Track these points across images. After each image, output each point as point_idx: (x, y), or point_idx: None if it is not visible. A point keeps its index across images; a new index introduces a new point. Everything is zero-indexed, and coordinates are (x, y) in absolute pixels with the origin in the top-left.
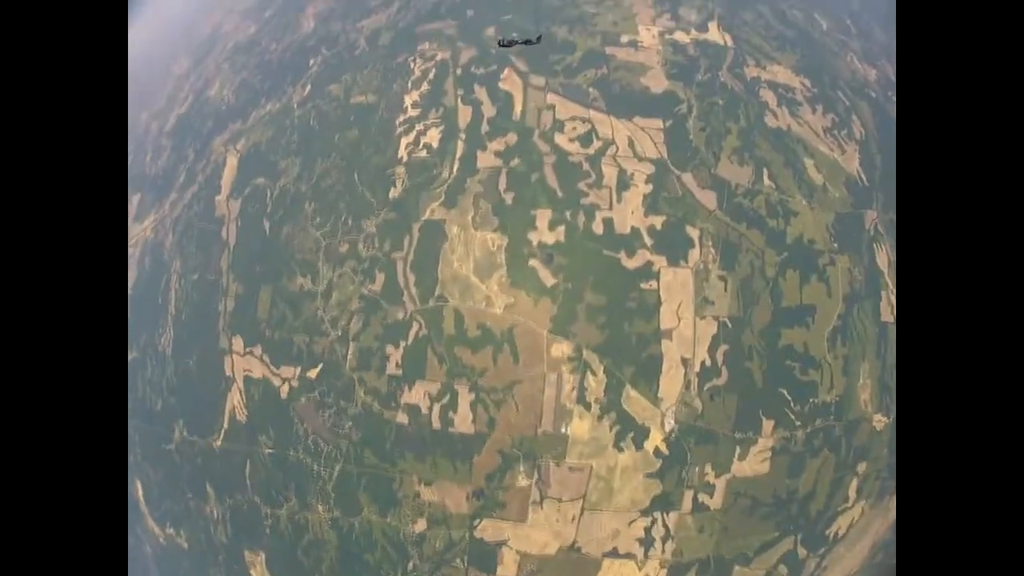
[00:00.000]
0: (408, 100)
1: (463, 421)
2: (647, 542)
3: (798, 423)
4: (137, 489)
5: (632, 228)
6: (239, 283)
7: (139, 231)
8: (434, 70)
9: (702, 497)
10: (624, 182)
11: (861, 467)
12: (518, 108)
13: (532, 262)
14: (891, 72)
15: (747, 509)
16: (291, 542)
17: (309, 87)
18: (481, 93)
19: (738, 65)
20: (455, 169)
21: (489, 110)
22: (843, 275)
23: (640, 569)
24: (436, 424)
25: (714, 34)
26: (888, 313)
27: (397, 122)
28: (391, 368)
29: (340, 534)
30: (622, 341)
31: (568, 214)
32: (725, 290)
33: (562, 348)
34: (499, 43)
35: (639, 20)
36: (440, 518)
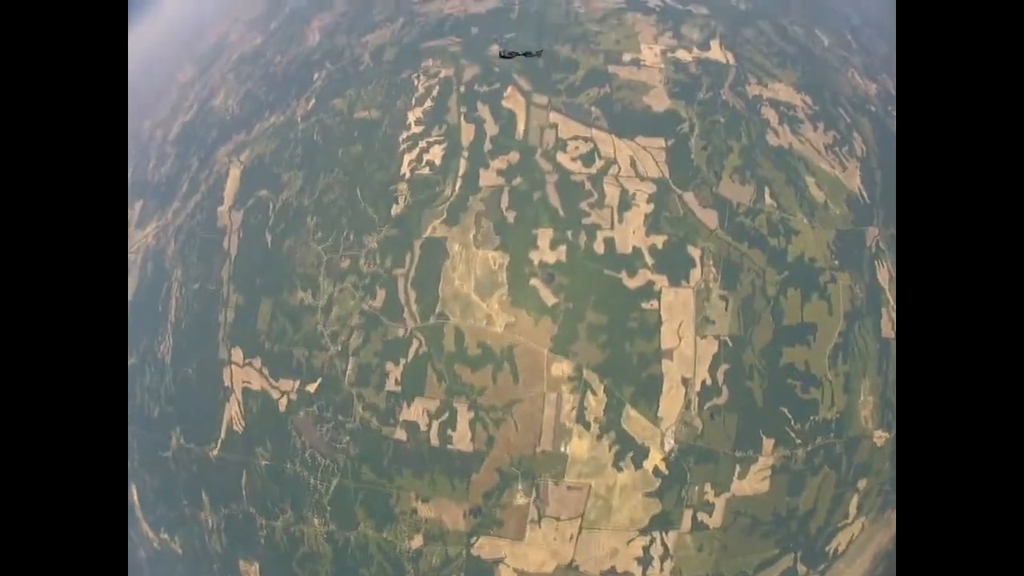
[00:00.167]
0: (411, 117)
1: (462, 439)
2: (645, 561)
3: (799, 441)
4: (132, 493)
5: (633, 248)
6: (240, 294)
7: (141, 237)
8: (438, 87)
9: (701, 516)
10: (626, 202)
11: (862, 483)
12: (521, 127)
13: (533, 281)
14: (891, 86)
15: (747, 527)
16: (286, 554)
17: (313, 101)
18: (484, 111)
19: (740, 83)
20: (457, 187)
21: (492, 128)
22: (844, 292)
23: None
24: (435, 441)
25: (716, 52)
26: (889, 329)
27: (400, 138)
28: (390, 384)
29: (335, 548)
30: (623, 361)
31: (570, 233)
32: (726, 309)
33: (562, 367)
34: (500, 54)
35: (641, 38)
36: (437, 534)
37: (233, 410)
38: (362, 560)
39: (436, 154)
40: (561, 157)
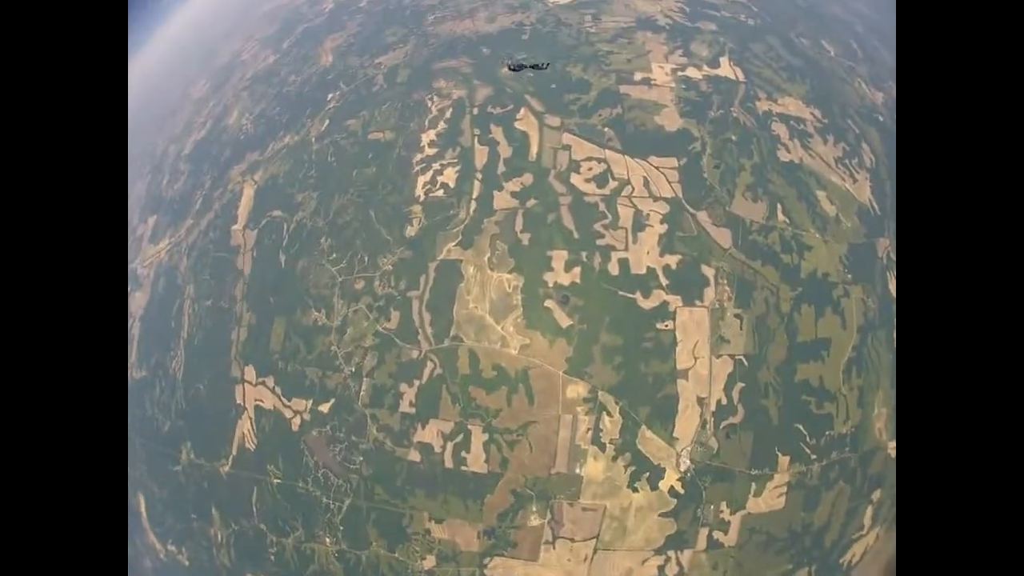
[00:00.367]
0: (425, 139)
1: (476, 460)
2: None
3: (814, 457)
4: (140, 503)
5: (648, 268)
6: (253, 313)
7: (154, 253)
8: (451, 109)
9: (717, 535)
10: (640, 222)
11: (876, 495)
12: (534, 148)
13: (548, 303)
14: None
15: (762, 545)
16: (296, 571)
17: (327, 122)
18: (497, 133)
19: (750, 99)
20: (472, 209)
21: (505, 150)
22: (857, 306)
23: None
24: (448, 463)
25: (726, 68)
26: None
27: (414, 160)
28: (404, 406)
29: (347, 566)
30: (638, 382)
31: (584, 255)
32: (741, 328)
33: (577, 389)
34: (508, 67)
35: (652, 57)
36: (450, 555)
37: (245, 427)
38: None
39: (450, 176)
40: (575, 178)
